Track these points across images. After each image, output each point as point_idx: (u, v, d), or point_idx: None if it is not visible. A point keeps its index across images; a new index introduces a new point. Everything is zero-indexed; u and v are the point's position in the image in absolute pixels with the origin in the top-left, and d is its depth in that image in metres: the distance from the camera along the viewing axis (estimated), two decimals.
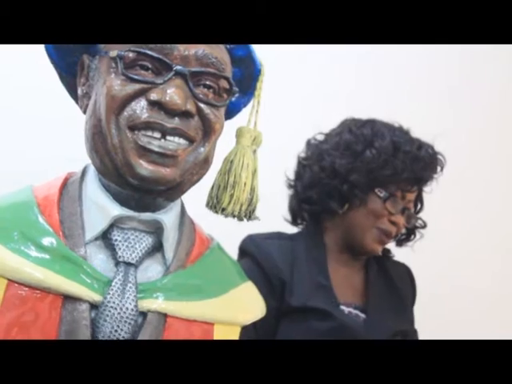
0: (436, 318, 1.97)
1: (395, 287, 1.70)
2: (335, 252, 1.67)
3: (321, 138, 1.73)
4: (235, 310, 1.14)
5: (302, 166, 1.73)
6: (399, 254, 1.80)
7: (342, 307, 1.59)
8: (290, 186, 1.77)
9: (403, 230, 1.73)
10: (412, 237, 1.78)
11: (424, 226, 1.77)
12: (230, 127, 1.15)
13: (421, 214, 1.77)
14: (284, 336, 1.54)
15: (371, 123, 1.67)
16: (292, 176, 1.77)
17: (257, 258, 1.61)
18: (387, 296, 1.67)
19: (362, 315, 1.60)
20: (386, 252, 1.78)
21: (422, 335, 1.72)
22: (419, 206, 1.77)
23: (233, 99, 1.12)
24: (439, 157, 1.68)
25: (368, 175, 1.60)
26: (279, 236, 1.71)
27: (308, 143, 1.75)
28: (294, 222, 1.79)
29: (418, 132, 1.69)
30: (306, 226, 1.76)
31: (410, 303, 1.74)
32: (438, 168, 1.69)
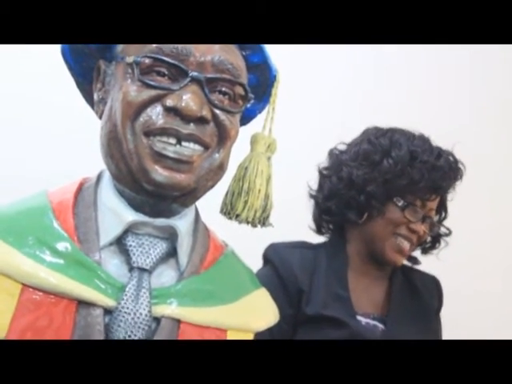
0: (461, 324, 1.95)
1: (420, 298, 1.69)
2: (357, 262, 1.67)
3: (342, 148, 1.73)
4: (248, 316, 1.14)
5: (323, 176, 1.72)
6: (425, 261, 1.79)
7: (359, 318, 1.58)
8: (311, 196, 1.76)
9: (428, 238, 1.72)
10: (437, 245, 1.77)
11: (449, 234, 1.75)
12: (244, 134, 1.15)
13: (446, 222, 1.76)
14: None
15: (391, 132, 1.66)
16: (314, 186, 1.76)
17: (276, 266, 1.61)
18: (410, 307, 1.65)
19: (381, 326, 1.59)
20: (413, 261, 1.76)
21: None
22: (443, 213, 1.75)
23: (248, 105, 1.12)
24: (459, 165, 1.66)
25: (385, 185, 1.59)
26: (302, 245, 1.71)
27: (330, 153, 1.74)
28: (318, 232, 1.79)
29: (437, 133, 1.67)
30: (329, 236, 1.76)
31: (434, 314, 1.72)
32: (458, 177, 1.67)
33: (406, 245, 1.61)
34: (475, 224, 2.57)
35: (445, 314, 1.76)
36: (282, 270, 1.60)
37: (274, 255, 1.66)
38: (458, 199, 1.73)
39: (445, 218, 1.76)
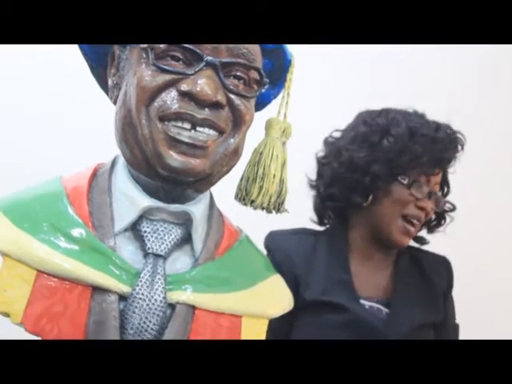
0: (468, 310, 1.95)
1: (426, 280, 1.67)
2: (361, 246, 1.66)
3: (337, 134, 1.72)
4: (263, 302, 1.14)
5: (322, 164, 1.72)
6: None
7: (363, 301, 1.58)
8: (311, 187, 1.76)
9: (431, 215, 1.70)
10: (442, 221, 1.76)
11: (453, 209, 1.74)
12: (259, 119, 1.14)
13: (452, 199, 1.75)
14: (299, 329, 1.55)
15: (385, 112, 1.65)
16: (313, 176, 1.75)
17: (274, 254, 1.61)
18: (415, 289, 1.64)
19: (385, 309, 1.59)
20: (420, 241, 1.75)
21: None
22: (446, 188, 1.74)
23: (263, 90, 1.10)
24: (458, 135, 1.65)
25: (388, 164, 1.58)
26: (302, 231, 1.70)
27: (325, 142, 1.73)
28: (320, 223, 1.78)
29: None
30: (331, 223, 1.75)
31: (441, 295, 1.71)
32: (459, 147, 1.66)
33: (413, 225, 1.60)
34: (487, 208, 2.56)
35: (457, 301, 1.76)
36: (279, 257, 1.60)
37: (271, 243, 1.66)
38: (469, 184, 1.72)
39: (448, 192, 1.75)
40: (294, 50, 1.16)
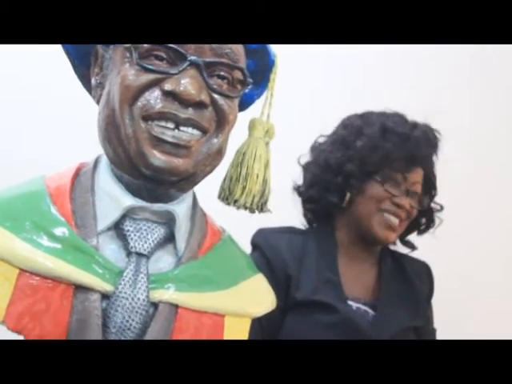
0: (452, 314, 1.96)
1: (410, 283, 1.69)
2: (347, 247, 1.67)
3: (321, 140, 1.74)
4: (246, 301, 1.14)
5: (304, 169, 1.73)
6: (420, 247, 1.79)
7: (350, 302, 1.58)
8: (293, 189, 1.77)
9: (423, 220, 1.73)
10: (431, 224, 1.77)
11: (440, 209, 1.75)
12: (242, 119, 1.14)
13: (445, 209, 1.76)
14: (289, 329, 1.54)
15: (366, 114, 1.68)
16: (299, 182, 1.77)
17: (264, 251, 1.61)
18: (400, 292, 1.66)
19: (371, 311, 1.60)
20: (409, 246, 1.76)
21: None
22: (433, 191, 1.74)
23: (246, 91, 1.11)
24: (435, 133, 1.67)
25: (360, 162, 1.60)
26: (291, 230, 1.71)
27: (311, 148, 1.75)
28: (310, 227, 1.79)
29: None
30: (317, 224, 1.75)
31: (424, 300, 1.72)
32: (435, 144, 1.67)
33: (393, 220, 1.61)
34: (473, 212, 2.57)
35: (440, 303, 1.77)
36: (270, 254, 1.60)
37: (262, 240, 1.66)
38: (455, 189, 1.73)
39: (434, 195, 1.75)
40: (279, 51, 1.17)
